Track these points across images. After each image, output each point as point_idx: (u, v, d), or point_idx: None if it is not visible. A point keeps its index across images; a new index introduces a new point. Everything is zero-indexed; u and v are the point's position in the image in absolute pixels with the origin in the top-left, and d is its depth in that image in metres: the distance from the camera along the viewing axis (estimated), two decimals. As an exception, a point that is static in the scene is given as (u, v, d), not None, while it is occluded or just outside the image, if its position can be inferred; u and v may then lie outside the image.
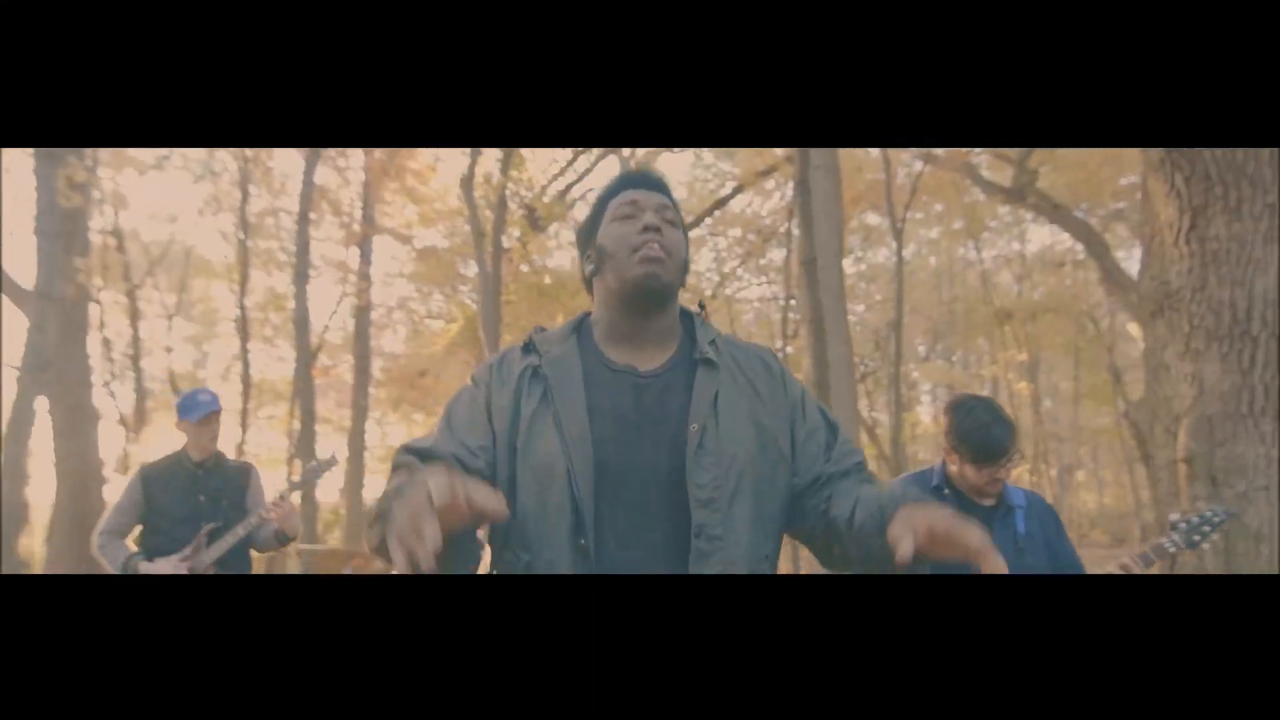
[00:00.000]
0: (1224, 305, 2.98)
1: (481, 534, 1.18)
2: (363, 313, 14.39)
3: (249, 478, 3.13)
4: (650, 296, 1.22)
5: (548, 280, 12.95)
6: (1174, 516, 2.10)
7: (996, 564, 0.93)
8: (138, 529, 3.05)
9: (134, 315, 14.58)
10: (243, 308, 14.07)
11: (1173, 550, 2.01)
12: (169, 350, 16.96)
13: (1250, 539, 2.86)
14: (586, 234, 1.32)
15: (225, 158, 13.62)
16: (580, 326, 1.30)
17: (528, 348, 1.26)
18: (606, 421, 1.15)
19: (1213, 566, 2.95)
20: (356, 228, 14.22)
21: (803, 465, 1.23)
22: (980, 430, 2.01)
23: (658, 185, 1.30)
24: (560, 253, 14.75)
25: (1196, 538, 2.02)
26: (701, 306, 1.36)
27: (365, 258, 14.54)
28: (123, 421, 14.71)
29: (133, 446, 14.43)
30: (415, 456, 1.15)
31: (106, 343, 14.27)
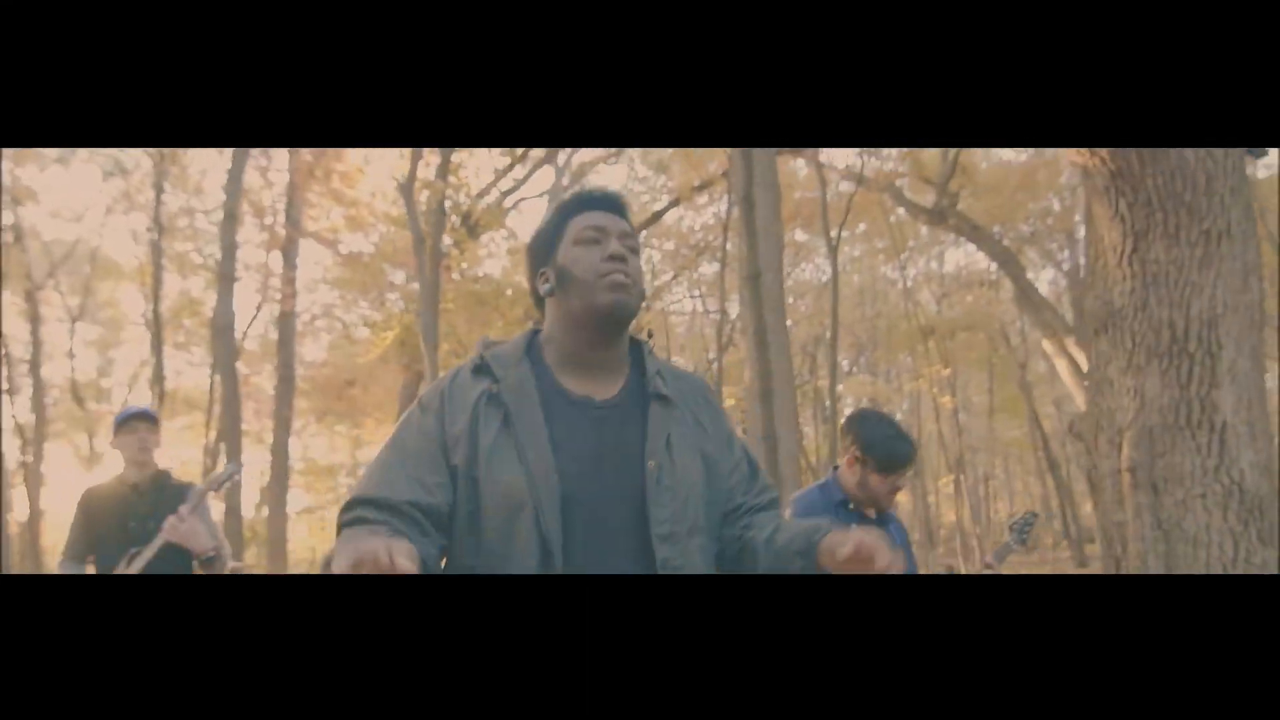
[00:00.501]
0: (1163, 324, 3.17)
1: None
2: (287, 320, 13.86)
3: (186, 498, 2.90)
4: (616, 324, 1.23)
5: (482, 288, 12.78)
6: (1011, 521, 2.65)
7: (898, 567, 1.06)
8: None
9: (34, 318, 13.67)
10: (156, 313, 13.36)
11: (1016, 547, 2.52)
12: (71, 356, 16.00)
13: (1189, 544, 3.05)
14: (542, 249, 1.29)
15: (138, 153, 12.94)
16: (530, 347, 1.27)
17: (479, 369, 1.23)
18: (569, 454, 1.16)
19: (1155, 569, 3.14)
20: (280, 231, 13.71)
21: (723, 495, 1.27)
22: (888, 442, 2.22)
23: (619, 208, 1.29)
24: (491, 261, 14.60)
25: (1024, 536, 2.54)
26: (650, 335, 1.41)
27: (289, 262, 14.02)
28: (19, 432, 13.72)
29: (29, 458, 13.47)
30: (370, 509, 1.12)
31: (3, 347, 13.32)
